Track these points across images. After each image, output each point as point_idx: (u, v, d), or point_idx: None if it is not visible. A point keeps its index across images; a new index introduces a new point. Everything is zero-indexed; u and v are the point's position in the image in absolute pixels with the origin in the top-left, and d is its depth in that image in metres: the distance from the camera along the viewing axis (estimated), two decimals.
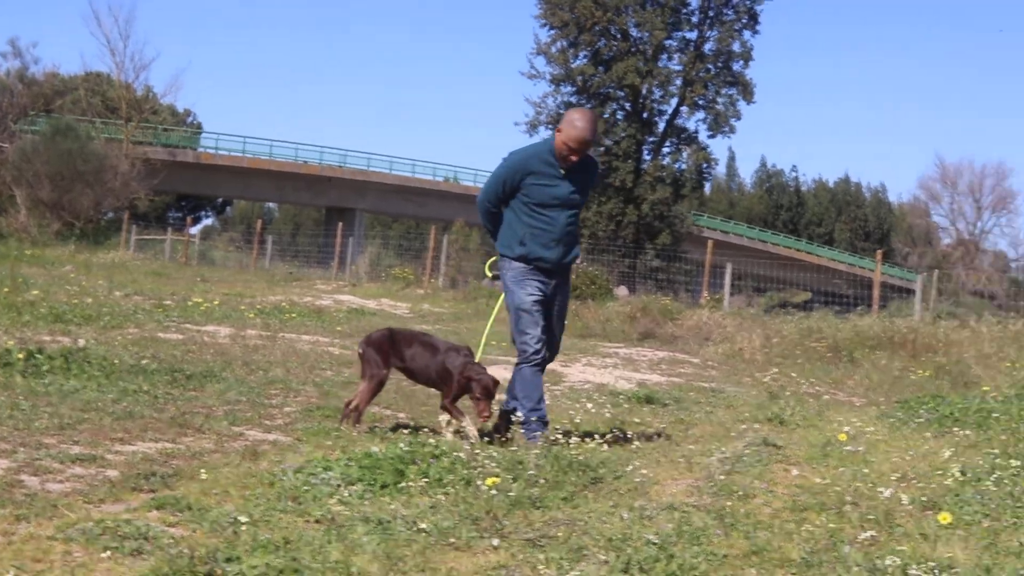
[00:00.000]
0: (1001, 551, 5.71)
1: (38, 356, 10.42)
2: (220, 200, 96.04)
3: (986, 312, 27.98)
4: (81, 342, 12.06)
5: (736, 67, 68.13)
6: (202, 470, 6.76)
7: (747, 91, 67.87)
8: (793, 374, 16.59)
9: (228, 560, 4.82)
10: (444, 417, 8.64)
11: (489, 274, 9.39)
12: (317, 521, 5.76)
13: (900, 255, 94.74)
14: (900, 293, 38.23)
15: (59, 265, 31.50)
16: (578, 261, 9.38)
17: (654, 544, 5.55)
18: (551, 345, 8.98)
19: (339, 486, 6.40)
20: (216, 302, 21.59)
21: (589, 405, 11.20)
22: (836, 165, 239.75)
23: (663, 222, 64.93)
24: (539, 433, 8.27)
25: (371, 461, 6.90)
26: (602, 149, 64.05)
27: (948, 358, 19.08)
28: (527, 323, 8.62)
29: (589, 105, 64.34)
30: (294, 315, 21.08)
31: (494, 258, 9.11)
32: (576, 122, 8.54)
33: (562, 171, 8.61)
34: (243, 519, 5.53)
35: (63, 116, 59.54)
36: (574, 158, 8.55)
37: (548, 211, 8.68)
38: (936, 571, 5.08)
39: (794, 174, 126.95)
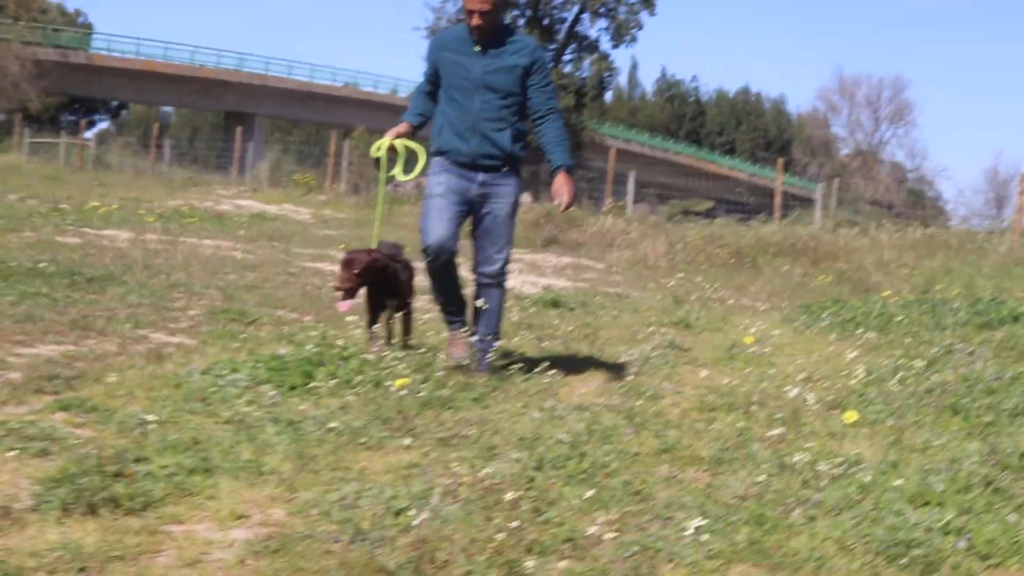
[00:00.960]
0: (906, 448, 5.83)
1: None
2: (115, 104, 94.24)
3: (885, 221, 28.34)
4: None
5: None
6: (108, 373, 6.68)
7: (648, 2, 67.66)
8: (697, 279, 16.74)
9: (137, 460, 4.78)
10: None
11: (397, 173, 7.82)
12: (226, 422, 5.73)
13: (800, 165, 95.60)
14: (801, 202, 38.59)
15: None
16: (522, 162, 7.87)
17: (565, 443, 5.60)
18: (480, 257, 7.77)
19: (247, 387, 6.37)
20: (114, 206, 21.30)
21: None
22: (736, 76, 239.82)
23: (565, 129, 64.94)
24: (453, 325, 7.85)
25: (279, 363, 6.87)
26: None
27: (849, 265, 19.41)
28: (424, 215, 7.61)
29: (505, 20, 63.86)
30: (194, 219, 20.84)
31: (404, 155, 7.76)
32: None
33: (476, 48, 7.61)
34: (151, 419, 5.48)
35: None
36: (477, 21, 7.50)
37: (461, 95, 7.66)
38: (844, 467, 5.17)
39: (695, 84, 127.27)
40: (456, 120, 7.67)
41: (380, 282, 7.72)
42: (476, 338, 7.65)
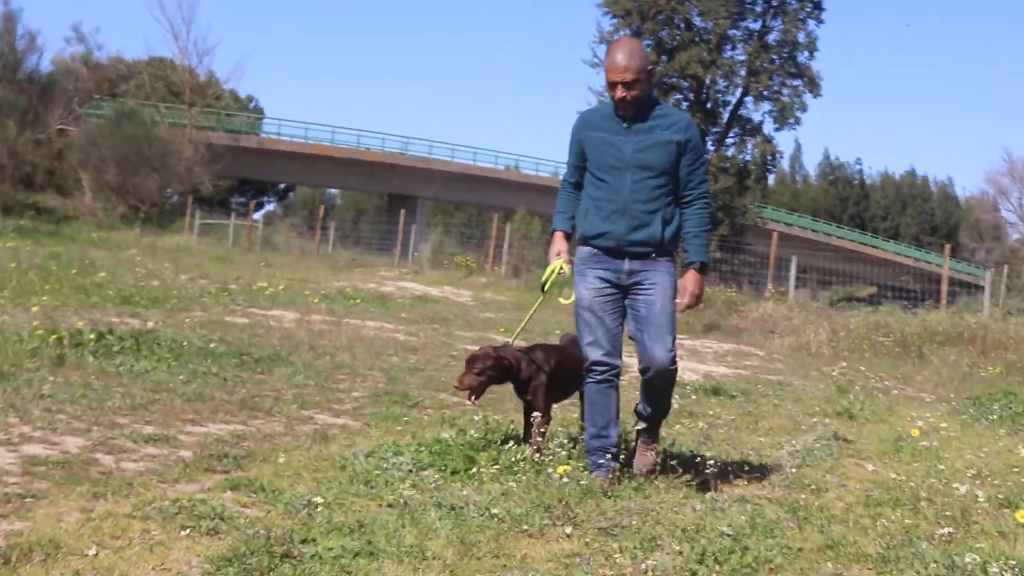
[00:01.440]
0: None
1: (108, 337, 10.54)
2: (282, 186, 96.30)
3: None
4: (150, 324, 12.18)
5: (801, 58, 67.36)
6: (276, 453, 6.82)
7: (813, 84, 67.05)
8: (861, 368, 16.47)
9: (304, 542, 4.87)
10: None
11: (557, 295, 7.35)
12: (390, 505, 5.79)
13: (967, 250, 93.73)
14: (968, 289, 37.86)
15: (124, 248, 31.81)
16: (678, 245, 7.11)
17: (728, 536, 5.54)
18: (643, 353, 6.93)
19: (411, 471, 6.43)
20: (281, 287, 21.74)
21: None
22: (902, 158, 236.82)
23: (726, 213, 64.50)
24: (605, 467, 6.81)
25: (441, 447, 6.93)
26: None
27: (1019, 355, 18.88)
28: (583, 327, 6.95)
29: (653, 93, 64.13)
30: (358, 301, 21.17)
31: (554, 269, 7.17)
32: (608, 51, 7.08)
33: (625, 125, 6.92)
34: (317, 501, 5.58)
35: (127, 101, 60.05)
36: (621, 94, 6.80)
37: (609, 175, 6.93)
38: (1017, 570, 5.03)
39: (859, 167, 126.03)
40: (604, 202, 6.94)
41: (512, 381, 7.27)
42: (615, 450, 6.89)
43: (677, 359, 6.99)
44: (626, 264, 6.90)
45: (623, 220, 6.85)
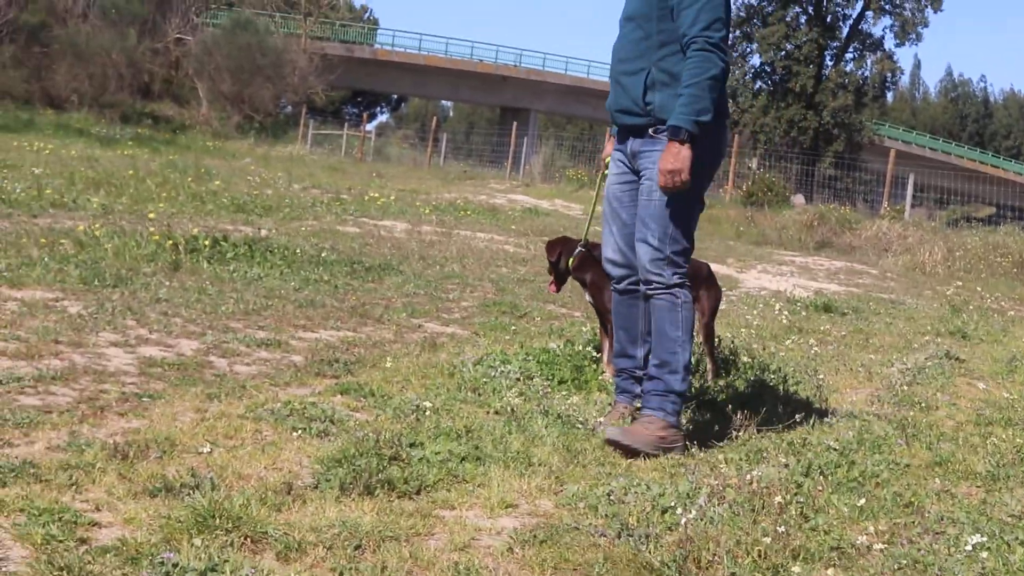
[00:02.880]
0: None
1: (223, 244, 10.67)
2: (395, 97, 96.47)
3: None
4: (263, 232, 12.30)
5: None
6: (384, 358, 6.90)
7: None
8: (977, 288, 16.28)
9: (412, 445, 4.94)
10: None
11: None
12: (496, 412, 5.85)
13: None
14: None
15: (239, 157, 32.11)
16: (684, 118, 5.34)
17: (835, 450, 5.53)
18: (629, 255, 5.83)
19: (518, 380, 6.48)
20: (392, 197, 21.81)
21: (767, 310, 11.17)
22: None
23: (842, 130, 63.48)
24: (629, 392, 5.91)
25: (549, 357, 6.97)
26: (783, 53, 62.81)
27: None
28: (603, 222, 6.04)
29: (770, 8, 63.15)
30: (468, 212, 21.21)
31: None
32: None
33: None
34: (426, 406, 5.64)
35: (243, 10, 60.29)
36: None
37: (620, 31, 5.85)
38: None
39: (982, 84, 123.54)
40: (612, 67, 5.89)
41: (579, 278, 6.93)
42: (641, 372, 5.79)
43: (675, 275, 5.56)
44: (629, 144, 5.76)
45: (613, 88, 5.80)
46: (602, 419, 5.78)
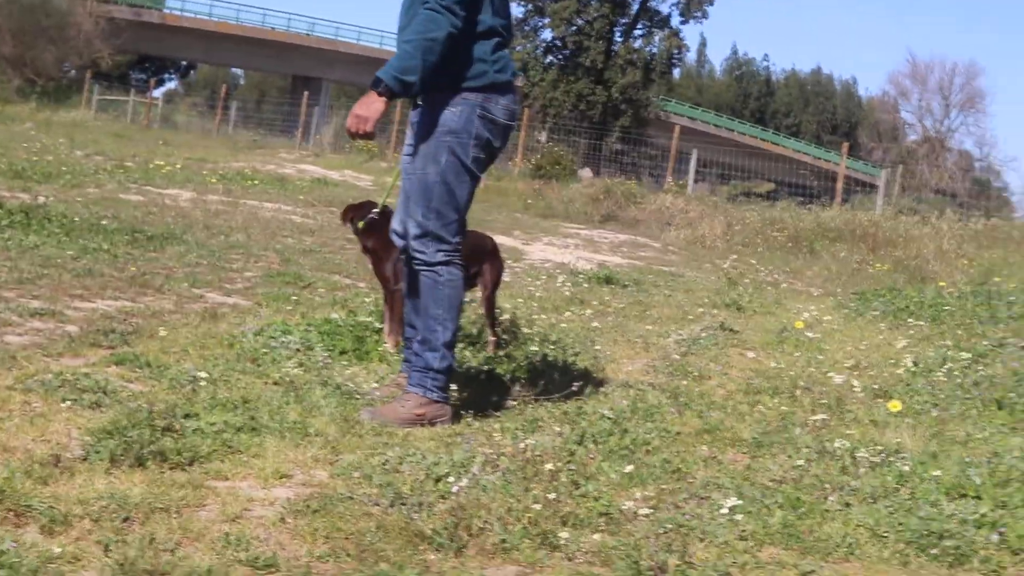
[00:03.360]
0: (947, 439, 5.81)
1: None
2: (184, 64, 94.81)
3: (947, 209, 28.10)
4: (41, 199, 11.99)
5: None
6: (161, 329, 6.80)
7: None
8: (753, 262, 16.74)
9: (187, 416, 4.88)
10: None
11: None
12: (275, 383, 5.82)
13: (865, 150, 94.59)
14: (863, 187, 38.34)
15: (19, 122, 31.22)
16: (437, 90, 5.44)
17: (608, 419, 5.64)
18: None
19: (298, 350, 6.45)
20: (178, 166, 21.47)
21: (550, 281, 11.31)
22: (809, 56, 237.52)
23: (630, 105, 64.59)
24: (407, 367, 5.71)
25: (331, 327, 6.95)
26: (574, 28, 63.53)
27: (907, 252, 19.27)
28: None
29: None
30: (256, 182, 20.98)
31: None
32: None
33: None
34: (202, 376, 5.58)
35: None
36: None
37: None
38: (884, 455, 5.17)
39: (765, 63, 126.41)
40: None
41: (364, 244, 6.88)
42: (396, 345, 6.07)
43: (439, 252, 5.52)
44: (413, 114, 5.74)
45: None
46: (377, 389, 5.78)
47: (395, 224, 5.78)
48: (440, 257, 5.49)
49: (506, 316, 7.74)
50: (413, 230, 5.51)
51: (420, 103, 5.58)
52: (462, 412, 5.41)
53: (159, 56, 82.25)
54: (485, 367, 6.61)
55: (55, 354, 5.98)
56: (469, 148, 5.47)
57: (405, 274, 5.79)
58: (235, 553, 3.57)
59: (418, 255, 5.49)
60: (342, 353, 6.60)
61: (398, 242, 5.77)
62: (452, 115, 5.43)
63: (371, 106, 5.22)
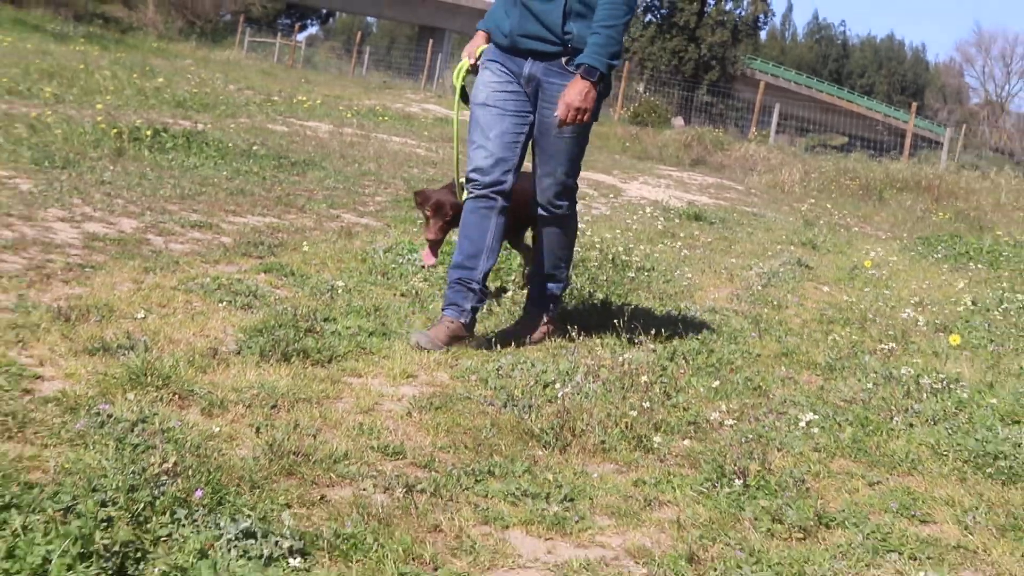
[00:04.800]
0: (1003, 372, 5.72)
1: (163, 135, 10.50)
2: (324, 12, 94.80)
3: (1006, 167, 27.54)
4: (200, 126, 12.12)
5: None
6: (304, 243, 6.85)
7: None
8: (827, 206, 16.55)
9: (326, 320, 4.94)
10: None
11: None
12: (402, 294, 5.88)
13: (932, 110, 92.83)
14: (929, 144, 37.69)
15: (181, 59, 31.45)
16: (600, 64, 4.85)
17: (697, 339, 5.62)
18: (535, 179, 5.25)
19: (422, 267, 6.47)
20: (318, 102, 21.54)
21: (645, 216, 11.24)
22: (884, 23, 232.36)
23: (719, 62, 63.77)
24: (457, 306, 5.05)
25: (450, 248, 6.94)
26: None
27: (967, 204, 18.93)
28: (473, 127, 5.15)
29: None
30: (386, 118, 21.02)
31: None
32: None
33: None
34: (339, 286, 5.64)
35: None
36: None
37: None
38: (944, 383, 5.09)
39: (843, 28, 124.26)
40: None
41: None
42: (477, 286, 5.07)
43: (572, 202, 5.31)
44: (527, 67, 5.05)
45: (517, 11, 5.01)
46: (415, 333, 4.93)
47: (481, 160, 5.03)
48: (573, 208, 5.33)
49: (607, 244, 7.71)
50: (555, 188, 5.16)
51: (565, 64, 4.97)
52: (567, 327, 5.40)
53: (303, 4, 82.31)
54: (589, 288, 6.58)
55: (212, 261, 6.06)
56: (600, 106, 5.07)
57: (468, 211, 5.11)
58: (368, 440, 3.61)
59: (554, 210, 5.21)
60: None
61: (480, 178, 5.04)
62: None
63: (588, 96, 4.81)
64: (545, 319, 5.42)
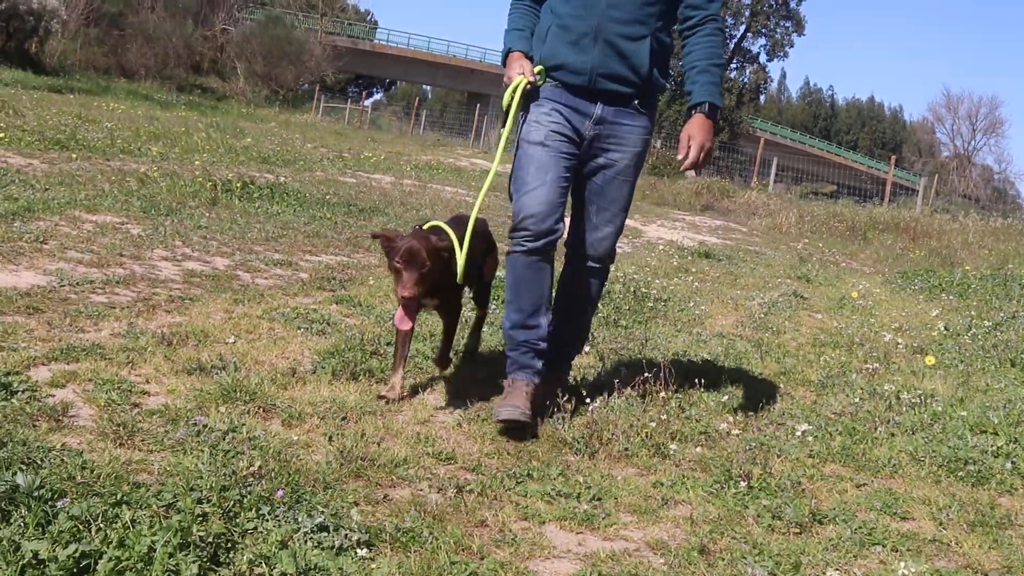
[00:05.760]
0: (972, 388, 5.65)
1: (251, 186, 10.57)
2: (387, 81, 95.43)
3: (972, 211, 27.32)
4: (282, 179, 12.19)
5: (792, 3, 66.32)
6: (370, 278, 6.88)
7: (799, 25, 66.32)
8: (819, 245, 16.45)
9: (388, 344, 4.93)
10: None
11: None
12: None
13: (908, 162, 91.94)
14: (906, 191, 37.34)
15: (266, 122, 31.69)
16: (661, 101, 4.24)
17: (707, 360, 5.59)
18: (583, 228, 4.26)
19: (471, 297, 6.45)
20: (382, 157, 21.64)
21: (662, 254, 11.21)
22: (866, 87, 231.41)
23: (726, 123, 63.68)
24: (530, 368, 4.10)
25: (498, 281, 6.93)
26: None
27: (940, 243, 18.76)
28: (525, 168, 4.08)
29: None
30: (440, 171, 21.07)
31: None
32: None
33: None
34: None
35: (274, 9, 59.41)
36: None
37: None
38: (921, 398, 5.05)
39: (830, 92, 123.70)
40: (571, 19, 4.03)
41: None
42: (544, 345, 4.13)
43: (612, 252, 4.34)
44: (597, 108, 4.07)
45: (595, 47, 3.98)
46: (499, 406, 3.96)
47: (538, 206, 3.96)
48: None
49: (629, 279, 7.68)
50: (612, 239, 4.27)
51: (638, 107, 4.14)
52: (593, 349, 5.37)
53: (369, 75, 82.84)
54: (614, 316, 6.56)
55: (292, 294, 6.09)
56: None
57: (524, 265, 4.03)
58: (424, 448, 3.61)
59: (608, 260, 4.33)
60: (502, 303, 6.60)
61: (533, 227, 3.96)
62: (649, 124, 4.25)
63: (709, 130, 4.01)
64: (565, 378, 4.48)
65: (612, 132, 4.09)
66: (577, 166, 4.12)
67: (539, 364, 4.12)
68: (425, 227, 4.26)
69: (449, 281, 4.14)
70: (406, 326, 4.06)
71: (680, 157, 3.98)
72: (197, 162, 13.04)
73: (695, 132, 3.97)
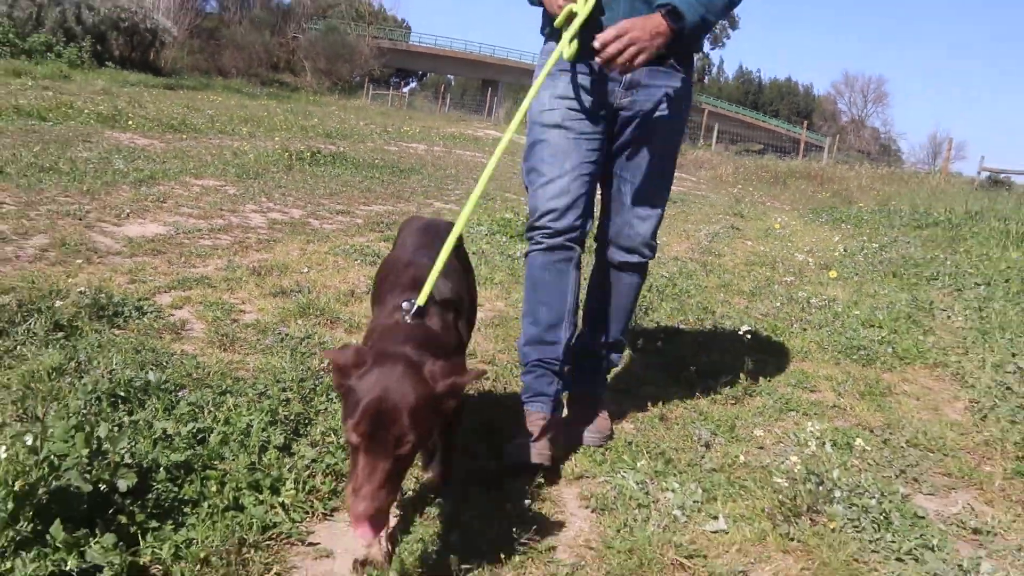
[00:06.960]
0: (863, 294, 5.63)
1: (317, 155, 10.47)
2: (420, 72, 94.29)
3: (864, 162, 27.14)
4: (341, 148, 12.07)
5: None
6: None
7: (733, 21, 65.28)
8: (750, 190, 16.29)
9: None
10: None
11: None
12: (473, 254, 5.77)
13: (817, 126, 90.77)
14: (815, 148, 36.86)
15: (328, 107, 31.31)
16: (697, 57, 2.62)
17: (665, 277, 5.56)
18: (618, 222, 2.61)
19: (487, 234, 6.42)
20: (417, 131, 21.43)
21: None
22: (785, 69, 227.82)
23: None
24: (537, 400, 2.55)
25: (506, 222, 6.89)
26: None
27: (840, 186, 18.61)
28: (540, 155, 2.52)
29: None
30: (461, 140, 20.88)
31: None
32: None
33: None
34: None
35: (333, 20, 58.57)
36: None
37: None
38: (826, 301, 5.03)
39: (759, 73, 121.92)
40: None
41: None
42: (562, 365, 2.60)
43: (652, 248, 2.68)
44: (618, 84, 2.52)
45: (623, 2, 2.42)
46: (507, 446, 2.47)
47: (554, 201, 2.50)
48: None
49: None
50: (652, 227, 2.64)
51: (671, 64, 2.54)
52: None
53: (406, 68, 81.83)
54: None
55: (350, 234, 6.05)
56: (684, 128, 2.70)
57: (541, 267, 2.55)
58: None
59: (648, 253, 2.67)
60: (511, 237, 6.57)
61: (552, 224, 2.51)
62: (688, 84, 2.62)
63: (656, 39, 2.26)
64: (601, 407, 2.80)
65: (648, 96, 2.52)
66: (607, 143, 2.58)
67: (553, 389, 2.57)
68: (408, 310, 1.89)
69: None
70: (367, 538, 1.58)
71: (594, 43, 2.24)
72: (276, 138, 12.92)
73: (634, 24, 2.26)
